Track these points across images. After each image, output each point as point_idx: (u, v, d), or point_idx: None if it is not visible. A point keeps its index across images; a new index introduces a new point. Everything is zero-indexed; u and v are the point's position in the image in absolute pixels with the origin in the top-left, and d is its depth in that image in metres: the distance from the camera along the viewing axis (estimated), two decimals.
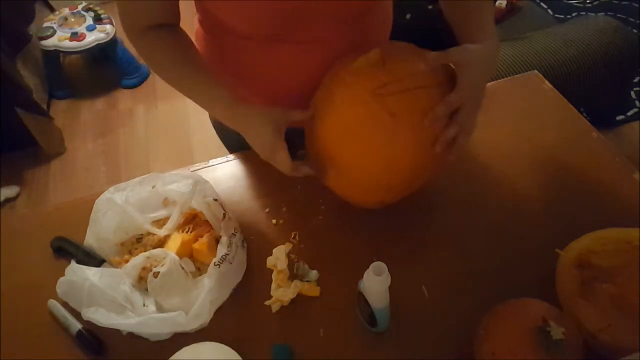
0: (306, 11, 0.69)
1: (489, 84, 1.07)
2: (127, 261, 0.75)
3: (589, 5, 2.67)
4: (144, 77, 2.60)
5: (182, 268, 0.72)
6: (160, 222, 0.81)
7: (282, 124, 0.70)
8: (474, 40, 0.69)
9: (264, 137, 0.70)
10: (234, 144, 1.01)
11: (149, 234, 0.80)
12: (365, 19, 0.79)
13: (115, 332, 0.71)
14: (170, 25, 0.73)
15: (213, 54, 0.83)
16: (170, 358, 0.67)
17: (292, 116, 0.72)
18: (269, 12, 0.68)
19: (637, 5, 2.62)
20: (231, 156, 0.97)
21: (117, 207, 0.78)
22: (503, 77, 1.10)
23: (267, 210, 0.86)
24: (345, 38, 0.77)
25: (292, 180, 0.89)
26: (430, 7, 1.63)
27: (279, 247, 0.76)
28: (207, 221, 0.79)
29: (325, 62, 0.76)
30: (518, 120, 0.98)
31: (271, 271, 0.75)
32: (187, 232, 0.79)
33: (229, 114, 0.74)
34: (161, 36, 0.72)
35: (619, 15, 2.57)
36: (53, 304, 0.75)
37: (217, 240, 0.77)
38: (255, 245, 0.81)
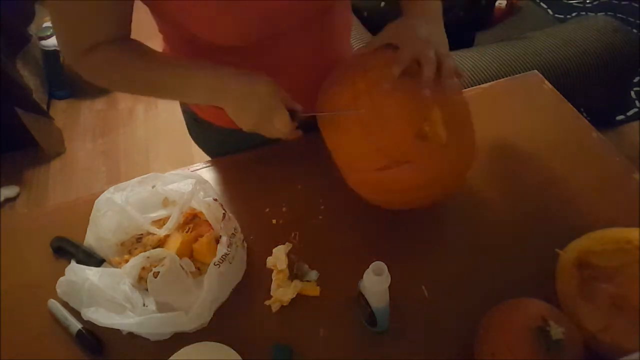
0: (282, 14, 0.69)
1: (489, 84, 1.07)
2: (127, 261, 0.75)
3: (589, 5, 2.67)
4: None
5: (182, 268, 0.72)
6: (160, 222, 0.81)
7: (282, 92, 0.68)
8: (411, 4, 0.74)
9: (260, 98, 0.66)
10: (220, 152, 1.01)
11: (148, 234, 0.80)
12: (328, 18, 0.79)
13: (115, 332, 0.71)
14: (122, 38, 0.68)
15: None
16: (170, 358, 0.67)
17: (290, 103, 0.70)
18: (247, 20, 0.66)
19: (637, 5, 2.62)
20: (231, 156, 0.97)
21: (117, 207, 0.78)
22: (503, 77, 1.10)
23: (267, 210, 0.86)
24: (313, 38, 0.78)
25: (292, 180, 0.89)
26: None
27: (279, 247, 0.76)
28: (207, 221, 0.79)
29: (298, 62, 0.77)
30: (518, 120, 0.98)
31: (271, 271, 0.75)
32: (187, 232, 0.79)
33: (215, 81, 0.67)
34: (114, 47, 0.66)
35: (619, 15, 2.58)
36: (53, 304, 0.75)
37: (217, 240, 0.77)
38: (255, 245, 0.81)
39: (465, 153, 0.75)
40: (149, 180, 0.81)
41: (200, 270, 0.77)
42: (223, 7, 0.63)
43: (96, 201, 0.79)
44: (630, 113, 2.13)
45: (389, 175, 0.70)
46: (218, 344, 0.68)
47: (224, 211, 0.77)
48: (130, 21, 0.68)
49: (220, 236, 0.75)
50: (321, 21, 0.78)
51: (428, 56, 0.66)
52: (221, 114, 0.88)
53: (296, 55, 0.78)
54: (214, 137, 0.99)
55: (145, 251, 0.76)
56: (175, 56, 0.72)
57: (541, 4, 2.66)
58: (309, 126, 0.95)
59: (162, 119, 2.39)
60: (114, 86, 0.74)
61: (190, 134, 1.03)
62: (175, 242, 0.77)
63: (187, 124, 1.02)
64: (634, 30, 2.47)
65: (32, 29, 2.37)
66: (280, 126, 0.69)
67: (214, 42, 0.68)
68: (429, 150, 0.69)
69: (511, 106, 1.01)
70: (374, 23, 1.63)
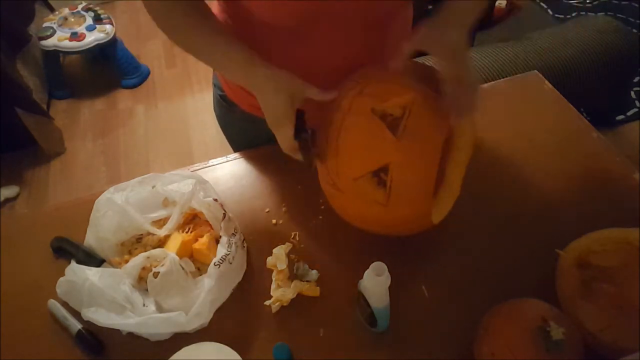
0: (323, 12, 0.69)
1: (489, 84, 1.07)
2: (127, 261, 0.75)
3: (589, 5, 2.67)
4: (144, 77, 2.60)
5: (182, 268, 0.72)
6: (160, 222, 0.81)
7: (298, 96, 0.68)
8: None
9: (276, 105, 0.68)
10: (239, 139, 1.01)
11: (148, 234, 0.80)
12: (384, 25, 0.78)
13: (115, 332, 0.71)
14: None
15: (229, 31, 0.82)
16: (170, 358, 0.67)
17: (310, 92, 0.69)
18: (288, 8, 0.67)
19: (637, 5, 2.62)
20: (231, 156, 0.97)
21: (117, 207, 0.78)
22: (503, 77, 1.10)
23: (267, 210, 0.86)
24: (361, 42, 0.77)
25: (292, 180, 0.89)
26: (430, 7, 1.63)
27: (279, 247, 0.76)
28: (207, 221, 0.79)
29: (340, 65, 0.76)
30: (518, 120, 0.98)
31: (271, 271, 0.75)
32: (187, 232, 0.79)
33: (245, 73, 0.70)
34: (192, 8, 0.69)
35: (619, 15, 2.58)
36: (53, 304, 0.75)
37: (217, 241, 0.77)
38: (255, 245, 0.81)
39: (416, 208, 0.70)
40: (149, 180, 0.81)
41: (200, 270, 0.77)
42: None
43: (96, 201, 0.79)
44: (630, 113, 2.13)
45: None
46: (218, 344, 0.68)
47: (224, 211, 0.77)
48: None
49: (220, 236, 0.75)
50: (376, 24, 0.76)
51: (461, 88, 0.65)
52: (246, 97, 0.88)
53: (347, 52, 0.77)
54: (236, 121, 0.99)
55: (145, 251, 0.76)
56: (220, 29, 0.71)
57: (541, 4, 2.66)
58: None
59: (162, 119, 2.39)
60: (168, 32, 0.74)
61: (215, 111, 1.02)
62: (175, 242, 0.77)
63: (214, 99, 1.01)
64: (634, 30, 2.47)
65: (32, 29, 2.37)
66: (280, 139, 0.70)
67: (268, 21, 0.70)
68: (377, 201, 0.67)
69: (511, 106, 1.01)
70: None
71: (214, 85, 0.99)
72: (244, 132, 1.00)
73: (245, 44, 0.70)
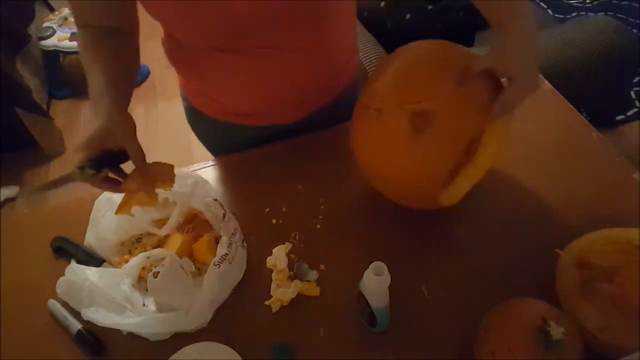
0: (251, 19, 0.69)
1: None
2: (127, 261, 0.75)
3: (589, 5, 2.67)
4: (144, 77, 2.60)
5: (182, 268, 0.72)
6: (160, 222, 0.81)
7: (112, 141, 0.64)
8: (502, 23, 0.67)
9: (91, 130, 0.64)
10: (213, 145, 1.03)
11: (148, 234, 0.80)
12: (321, 23, 0.77)
13: (115, 332, 0.71)
14: (123, 32, 0.71)
15: (177, 64, 0.85)
16: (170, 358, 0.67)
17: (129, 147, 0.66)
18: (214, 22, 0.68)
19: (637, 5, 2.62)
20: (231, 156, 0.97)
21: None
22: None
23: (267, 210, 0.86)
24: (299, 44, 0.77)
25: (292, 180, 0.89)
26: (430, 7, 1.63)
27: (279, 247, 0.76)
28: (207, 221, 0.79)
29: (281, 69, 0.77)
30: (518, 120, 0.98)
31: (271, 271, 0.75)
32: (187, 232, 0.79)
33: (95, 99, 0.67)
34: (95, 32, 0.70)
35: (619, 15, 2.57)
36: (53, 304, 0.75)
37: (217, 240, 0.77)
38: (255, 245, 0.81)
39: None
40: None
41: (200, 270, 0.77)
42: (184, 6, 0.65)
43: (96, 201, 0.79)
44: (630, 113, 2.13)
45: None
46: (218, 344, 0.68)
47: (224, 211, 0.77)
48: (126, 16, 0.72)
49: (220, 236, 0.75)
50: (313, 27, 0.76)
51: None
52: (210, 103, 0.89)
53: (285, 55, 0.77)
54: (206, 128, 1.00)
55: (145, 251, 0.76)
56: (105, 66, 0.69)
57: (541, 4, 2.66)
58: (310, 126, 0.95)
59: (162, 119, 2.39)
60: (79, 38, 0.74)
61: (187, 119, 1.03)
62: (175, 242, 0.77)
63: (184, 109, 1.02)
64: (634, 30, 2.47)
65: (32, 29, 2.37)
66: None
67: (190, 42, 0.71)
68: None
69: None
70: (374, 23, 1.63)
71: (182, 97, 0.99)
72: (216, 138, 1.01)
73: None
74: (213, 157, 0.99)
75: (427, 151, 0.68)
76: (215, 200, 0.78)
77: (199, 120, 0.98)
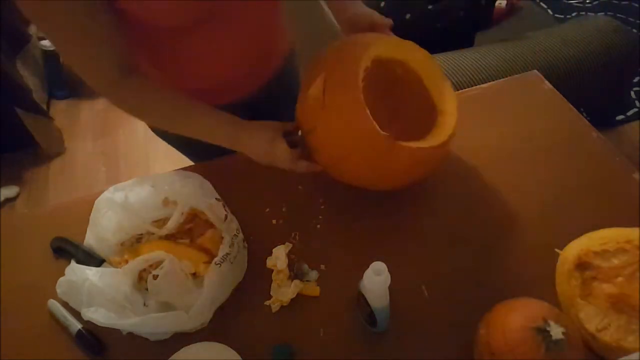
0: (217, 11, 0.71)
1: (489, 84, 1.07)
2: (127, 261, 0.75)
3: (589, 5, 2.67)
4: None
5: (182, 270, 0.72)
6: (160, 222, 0.81)
7: (278, 127, 0.76)
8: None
9: (263, 137, 0.74)
10: (195, 155, 1.03)
11: (149, 234, 0.80)
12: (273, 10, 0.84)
13: (115, 332, 0.71)
14: (130, 66, 0.72)
15: (137, 51, 0.82)
16: (170, 358, 0.67)
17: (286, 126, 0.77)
18: (179, 11, 0.67)
19: (637, 5, 2.62)
20: (231, 156, 0.96)
21: (117, 207, 0.78)
22: (503, 77, 1.10)
23: (267, 210, 0.86)
24: (256, 17, 0.79)
25: (292, 180, 0.89)
26: (430, 7, 1.63)
27: (279, 247, 0.76)
28: (207, 221, 0.79)
29: (242, 42, 0.80)
30: (518, 120, 0.98)
31: (271, 271, 0.76)
32: (187, 232, 0.79)
33: (232, 138, 0.76)
34: (138, 80, 0.72)
35: (619, 15, 2.57)
36: (53, 304, 0.75)
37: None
38: (255, 245, 0.81)
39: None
40: (149, 180, 0.81)
41: (195, 276, 0.76)
42: None
43: (96, 201, 0.79)
44: (630, 113, 2.13)
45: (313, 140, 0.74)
46: (218, 344, 0.68)
47: (226, 212, 0.77)
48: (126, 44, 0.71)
49: (223, 236, 0.75)
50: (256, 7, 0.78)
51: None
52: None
53: (231, 40, 0.79)
54: (178, 139, 0.96)
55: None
56: (190, 100, 0.75)
57: (541, 4, 2.66)
58: (269, 99, 0.95)
59: None
60: (142, 115, 0.78)
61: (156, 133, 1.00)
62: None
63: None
64: (634, 30, 2.47)
65: (32, 29, 2.37)
66: (280, 159, 0.75)
67: (151, 23, 0.70)
68: (322, 115, 0.70)
69: (511, 106, 1.01)
70: None
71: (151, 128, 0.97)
72: (193, 147, 0.96)
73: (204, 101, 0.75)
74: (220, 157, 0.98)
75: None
76: (218, 200, 0.78)
77: (166, 134, 0.95)
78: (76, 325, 0.72)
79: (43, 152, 2.23)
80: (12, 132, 2.12)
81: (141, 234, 0.81)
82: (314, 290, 0.75)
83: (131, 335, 0.71)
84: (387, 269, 0.60)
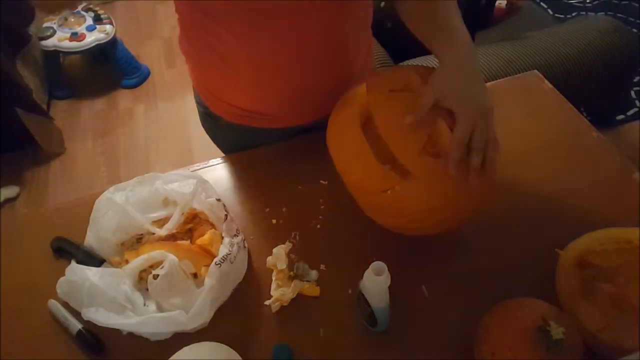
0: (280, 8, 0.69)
1: (489, 84, 1.07)
2: (127, 261, 0.75)
3: (589, 5, 2.67)
4: (144, 77, 2.60)
5: (182, 270, 0.72)
6: (160, 222, 0.81)
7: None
8: (442, 48, 0.68)
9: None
10: (230, 149, 1.02)
11: (149, 233, 0.80)
12: (343, 16, 0.78)
13: (115, 332, 0.71)
14: None
15: (195, 48, 0.84)
16: (170, 358, 0.67)
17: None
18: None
19: (637, 5, 2.62)
20: (231, 156, 0.97)
21: (117, 207, 0.78)
22: (503, 77, 1.10)
23: (267, 210, 0.86)
24: (321, 30, 0.77)
25: (292, 180, 0.89)
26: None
27: (279, 247, 0.76)
28: (207, 221, 0.79)
29: (301, 51, 0.77)
30: (518, 120, 0.98)
31: (271, 271, 0.75)
32: (186, 232, 0.79)
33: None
34: None
35: (619, 15, 2.58)
36: (53, 304, 0.75)
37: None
38: (255, 245, 0.81)
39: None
40: (149, 180, 0.81)
41: (196, 276, 0.76)
42: None
43: (96, 201, 0.79)
44: (630, 113, 2.13)
45: (395, 195, 0.67)
46: (218, 344, 0.68)
47: (226, 212, 0.77)
48: None
49: (223, 237, 0.75)
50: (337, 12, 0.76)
51: (478, 131, 0.67)
52: (228, 107, 0.88)
53: (306, 36, 0.77)
54: (223, 133, 1.00)
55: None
56: None
57: (541, 4, 2.66)
58: (309, 127, 0.95)
59: (162, 119, 2.39)
60: None
61: (203, 125, 1.04)
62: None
63: (199, 115, 1.02)
64: (634, 30, 2.47)
65: (32, 29, 2.37)
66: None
67: (224, 9, 0.70)
68: (434, 166, 0.66)
69: (511, 106, 1.01)
70: (374, 23, 1.63)
71: (197, 102, 1.00)
72: (233, 141, 1.01)
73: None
74: (210, 158, 0.98)
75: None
76: (218, 200, 0.78)
77: (215, 125, 0.98)
78: (76, 325, 0.72)
79: (43, 152, 2.23)
80: (12, 132, 2.12)
81: (141, 234, 0.81)
82: (314, 290, 0.75)
83: (131, 335, 0.71)
84: (387, 269, 0.60)
